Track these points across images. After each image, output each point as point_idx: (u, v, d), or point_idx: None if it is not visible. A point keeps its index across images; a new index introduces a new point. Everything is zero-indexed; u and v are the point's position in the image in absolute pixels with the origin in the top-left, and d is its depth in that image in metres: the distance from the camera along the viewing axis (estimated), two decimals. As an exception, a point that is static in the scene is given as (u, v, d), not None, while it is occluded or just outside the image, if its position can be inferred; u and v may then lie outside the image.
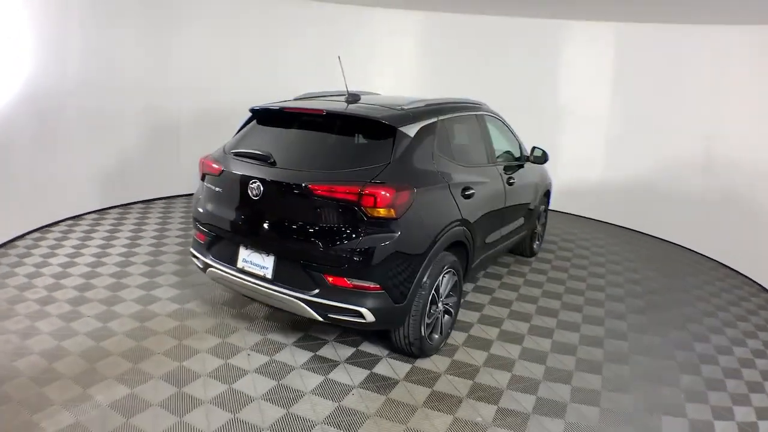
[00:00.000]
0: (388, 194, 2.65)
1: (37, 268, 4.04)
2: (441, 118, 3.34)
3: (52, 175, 4.97)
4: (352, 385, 2.86)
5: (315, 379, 2.89)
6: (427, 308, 2.99)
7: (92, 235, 4.91)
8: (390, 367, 3.08)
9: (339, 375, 2.95)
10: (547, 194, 5.47)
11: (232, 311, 3.60)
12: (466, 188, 3.34)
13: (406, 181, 2.80)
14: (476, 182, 3.53)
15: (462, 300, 4.10)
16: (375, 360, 3.14)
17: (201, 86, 6.27)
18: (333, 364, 3.05)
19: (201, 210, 3.15)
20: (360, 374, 2.98)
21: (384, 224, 2.68)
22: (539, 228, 5.38)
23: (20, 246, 4.46)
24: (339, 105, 3.22)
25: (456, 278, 3.31)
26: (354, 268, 2.66)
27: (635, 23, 6.24)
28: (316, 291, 2.73)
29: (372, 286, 2.69)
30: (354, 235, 2.66)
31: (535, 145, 4.81)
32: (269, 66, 6.66)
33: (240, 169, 2.94)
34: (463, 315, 3.89)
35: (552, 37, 6.82)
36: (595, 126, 6.79)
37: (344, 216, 2.67)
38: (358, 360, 3.13)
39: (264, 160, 2.90)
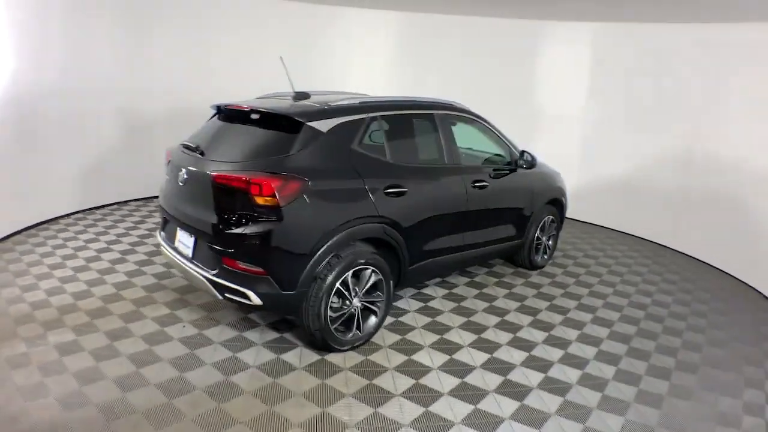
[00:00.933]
0: (272, 184, 2.80)
1: (54, 249, 4.90)
2: (373, 115, 3.39)
3: (32, 177, 5.05)
4: (251, 364, 3.07)
5: (223, 354, 3.15)
6: (329, 301, 3.07)
7: (96, 229, 5.32)
8: (299, 355, 3.22)
9: (247, 355, 3.17)
10: (556, 203, 5.09)
11: (198, 291, 4.00)
12: (392, 186, 3.34)
13: (301, 172, 2.92)
14: (414, 182, 3.51)
15: (428, 305, 4.08)
16: (290, 347, 3.30)
17: (177, 86, 6.31)
18: (248, 345, 3.29)
19: (160, 195, 3.61)
20: (266, 356, 3.17)
21: (269, 212, 2.83)
22: (544, 239, 5.03)
23: (28, 242, 4.76)
24: (283, 103, 3.43)
25: (380, 277, 3.33)
26: (241, 252, 2.88)
27: (613, 23, 6.25)
28: (216, 271, 2.99)
29: (256, 270, 2.88)
30: (242, 221, 2.87)
31: (524, 150, 4.54)
32: (245, 65, 6.63)
33: (177, 158, 3.32)
34: (412, 318, 3.86)
35: (529, 37, 6.86)
36: (573, 126, 6.85)
37: (236, 202, 2.89)
38: (275, 345, 3.32)
39: (195, 151, 3.24)
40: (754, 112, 5.15)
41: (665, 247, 6.27)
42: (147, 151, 6.16)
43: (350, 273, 3.15)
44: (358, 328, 3.31)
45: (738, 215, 5.35)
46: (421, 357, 3.34)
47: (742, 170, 5.31)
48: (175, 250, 3.33)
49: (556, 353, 3.56)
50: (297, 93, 3.58)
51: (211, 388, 2.82)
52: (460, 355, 3.40)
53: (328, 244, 3.00)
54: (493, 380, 3.15)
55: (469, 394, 2.99)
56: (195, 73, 6.43)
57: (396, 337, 3.57)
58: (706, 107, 5.63)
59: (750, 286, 5.22)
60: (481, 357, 3.41)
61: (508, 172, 4.46)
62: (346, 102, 3.35)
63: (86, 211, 5.84)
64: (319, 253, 2.97)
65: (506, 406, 2.91)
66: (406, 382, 3.04)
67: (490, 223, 4.34)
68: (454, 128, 4.07)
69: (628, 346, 3.74)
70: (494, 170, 4.33)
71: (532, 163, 4.49)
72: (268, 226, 2.84)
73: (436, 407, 2.84)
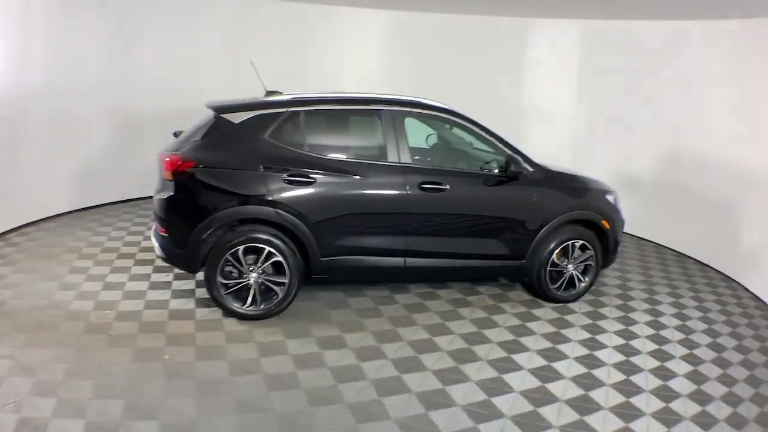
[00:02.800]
0: (172, 163, 3.43)
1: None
2: (294, 110, 3.67)
3: (19, 178, 5.03)
4: (166, 308, 3.72)
5: (159, 297, 3.87)
6: (218, 268, 3.49)
7: (98, 225, 5.37)
8: (209, 312, 3.71)
9: (175, 302, 3.81)
10: (593, 227, 4.17)
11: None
12: (296, 175, 3.53)
13: (198, 155, 3.46)
14: (326, 175, 3.59)
15: (380, 307, 4.06)
16: (209, 306, 3.77)
17: (167, 85, 6.22)
18: (183, 296, 3.92)
19: None
20: (185, 306, 3.77)
21: (170, 185, 3.48)
22: (571, 268, 4.15)
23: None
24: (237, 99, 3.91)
25: (279, 259, 3.55)
26: (157, 214, 3.61)
27: (601, 20, 6.20)
28: (152, 230, 3.81)
29: (161, 228, 3.56)
30: (161, 191, 3.58)
31: (514, 156, 3.89)
32: (233, 65, 6.21)
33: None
34: (342, 315, 3.87)
35: (518, 35, 6.85)
36: (562, 123, 6.79)
37: (162, 177, 3.61)
38: (203, 300, 3.85)
39: (175, 135, 4.07)
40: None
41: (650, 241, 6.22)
42: (135, 151, 6.18)
43: (241, 248, 3.51)
44: (255, 301, 3.62)
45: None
46: (294, 347, 3.38)
47: (726, 168, 5.27)
48: None
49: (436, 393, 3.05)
50: (268, 92, 4.12)
51: (125, 313, 3.60)
52: (330, 358, 3.33)
53: (212, 216, 3.45)
54: (353, 391, 3.02)
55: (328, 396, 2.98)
56: (185, 71, 6.35)
57: (299, 325, 3.68)
58: (690, 105, 5.60)
59: None
60: (373, 367, 3.25)
61: (504, 178, 3.95)
62: (272, 99, 3.75)
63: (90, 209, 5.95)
64: (203, 222, 3.45)
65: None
66: (252, 355, 3.24)
67: (458, 232, 3.93)
68: (417, 126, 3.91)
69: None
70: (479, 175, 3.96)
71: (514, 172, 3.88)
72: (168, 195, 3.50)
73: (243, 380, 2.95)
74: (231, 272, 3.61)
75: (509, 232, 4.02)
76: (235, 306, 3.60)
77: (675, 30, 5.58)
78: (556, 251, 4.10)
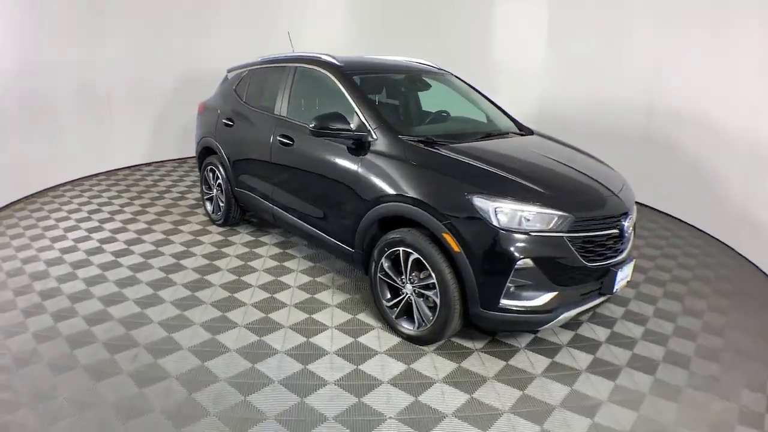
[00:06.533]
0: (200, 105, 5.06)
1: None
2: (250, 68, 4.56)
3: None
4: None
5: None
6: (202, 180, 5.02)
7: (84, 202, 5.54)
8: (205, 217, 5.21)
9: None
10: (454, 258, 2.69)
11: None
12: (227, 119, 4.53)
13: (206, 101, 4.96)
14: (239, 120, 4.37)
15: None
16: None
17: (133, 58, 6.39)
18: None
19: None
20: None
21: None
22: (408, 289, 2.95)
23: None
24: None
25: (214, 175, 4.75)
26: None
27: None
28: None
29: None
30: None
31: (328, 114, 3.18)
32: (200, 34, 6.88)
33: None
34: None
35: None
36: (534, 82, 6.66)
37: None
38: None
39: None
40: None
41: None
42: (103, 125, 6.39)
43: (208, 167, 4.83)
44: (213, 210, 4.92)
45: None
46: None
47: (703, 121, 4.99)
48: None
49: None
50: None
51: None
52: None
53: (199, 143, 4.94)
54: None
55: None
56: (152, 44, 6.56)
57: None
58: (668, 55, 5.31)
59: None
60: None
61: (352, 145, 3.22)
62: (251, 61, 4.66)
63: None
64: (197, 146, 4.98)
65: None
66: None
67: (300, 194, 3.75)
68: (310, 83, 3.91)
69: None
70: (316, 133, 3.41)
71: (328, 130, 3.16)
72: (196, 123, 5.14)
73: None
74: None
75: (336, 208, 3.38)
76: (208, 209, 5.03)
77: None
78: (383, 256, 3.02)
